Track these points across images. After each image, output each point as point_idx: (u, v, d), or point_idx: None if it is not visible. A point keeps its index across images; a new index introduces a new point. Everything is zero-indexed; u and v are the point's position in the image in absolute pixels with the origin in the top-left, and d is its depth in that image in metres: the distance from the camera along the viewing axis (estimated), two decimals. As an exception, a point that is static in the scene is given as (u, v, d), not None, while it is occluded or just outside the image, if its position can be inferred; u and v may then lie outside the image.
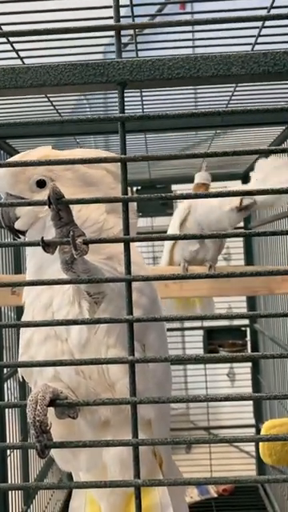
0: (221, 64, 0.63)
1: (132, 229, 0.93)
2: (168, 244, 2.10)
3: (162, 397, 0.67)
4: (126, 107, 0.66)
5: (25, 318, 0.93)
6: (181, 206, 2.09)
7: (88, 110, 2.34)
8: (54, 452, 0.92)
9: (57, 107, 1.84)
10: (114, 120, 0.64)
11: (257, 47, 1.45)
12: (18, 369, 0.94)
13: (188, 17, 2.60)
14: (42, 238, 0.65)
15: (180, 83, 0.65)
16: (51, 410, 0.78)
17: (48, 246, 0.66)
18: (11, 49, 1.46)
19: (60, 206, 0.68)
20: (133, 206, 0.97)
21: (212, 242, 2.02)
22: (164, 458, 0.98)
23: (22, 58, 1.52)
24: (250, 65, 0.62)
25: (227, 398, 0.69)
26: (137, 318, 0.66)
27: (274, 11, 1.29)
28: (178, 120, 1.84)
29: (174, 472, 1.04)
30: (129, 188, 0.95)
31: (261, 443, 1.07)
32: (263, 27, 1.36)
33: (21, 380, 0.93)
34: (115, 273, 0.86)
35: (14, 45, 1.44)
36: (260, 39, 1.41)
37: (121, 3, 0.69)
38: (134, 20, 1.32)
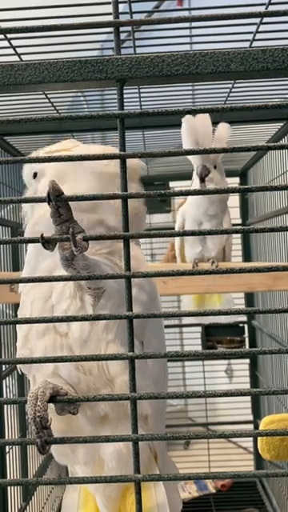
0: (220, 61, 0.63)
1: (140, 223, 0.94)
2: (177, 247, 2.23)
3: (162, 392, 0.68)
4: (124, 104, 0.66)
5: (22, 308, 0.92)
6: (177, 216, 2.19)
7: (85, 106, 2.33)
8: (52, 446, 0.92)
9: (54, 104, 1.83)
10: (114, 117, 0.64)
11: (255, 43, 1.45)
12: None
13: (186, 13, 2.59)
14: (42, 234, 0.65)
15: (179, 80, 0.65)
16: (51, 406, 0.78)
17: (48, 243, 0.66)
18: (8, 45, 1.45)
19: (59, 202, 0.68)
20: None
21: (213, 243, 2.07)
22: (158, 453, 0.99)
23: (19, 55, 1.52)
24: (249, 61, 0.62)
25: (226, 394, 0.69)
26: (136, 315, 0.66)
27: (272, 7, 1.29)
28: (176, 116, 1.84)
29: (170, 467, 1.05)
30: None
31: (259, 438, 1.08)
32: (261, 23, 1.36)
33: (20, 373, 0.93)
34: (116, 268, 0.86)
35: (10, 40, 1.43)
36: (258, 35, 1.41)
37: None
38: (132, 16, 1.31)
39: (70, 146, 0.97)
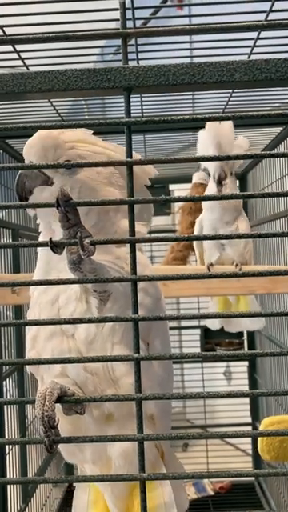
0: (224, 70, 0.65)
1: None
2: (197, 253, 2.28)
3: (167, 393, 0.70)
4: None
5: (31, 311, 0.94)
6: (195, 225, 2.24)
7: (85, 109, 2.35)
8: (60, 446, 0.94)
9: (55, 106, 1.85)
10: (121, 124, 0.65)
11: (256, 50, 1.47)
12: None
13: (186, 19, 2.61)
14: (51, 238, 0.67)
15: (184, 89, 0.67)
16: (59, 407, 0.80)
17: (56, 247, 0.68)
18: (12, 50, 1.47)
19: (68, 207, 0.69)
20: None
21: (231, 250, 2.13)
22: (165, 449, 1.01)
23: (23, 59, 1.53)
24: (253, 71, 0.64)
25: (229, 395, 0.71)
26: (142, 317, 0.68)
27: (272, 15, 1.31)
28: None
29: (175, 463, 1.06)
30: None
31: (259, 439, 1.09)
32: (262, 31, 1.38)
33: (28, 373, 0.94)
34: (122, 272, 0.88)
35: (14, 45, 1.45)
36: (259, 42, 1.44)
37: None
38: (135, 22, 1.33)
39: (81, 136, 0.94)
